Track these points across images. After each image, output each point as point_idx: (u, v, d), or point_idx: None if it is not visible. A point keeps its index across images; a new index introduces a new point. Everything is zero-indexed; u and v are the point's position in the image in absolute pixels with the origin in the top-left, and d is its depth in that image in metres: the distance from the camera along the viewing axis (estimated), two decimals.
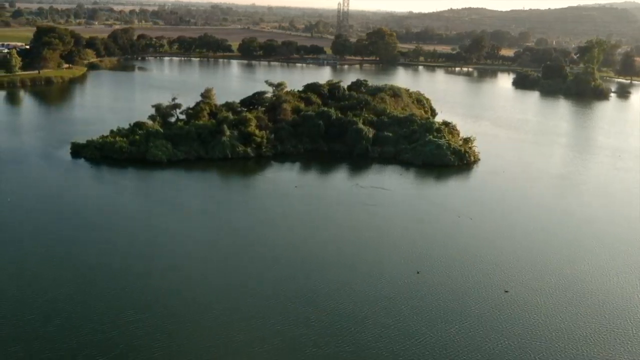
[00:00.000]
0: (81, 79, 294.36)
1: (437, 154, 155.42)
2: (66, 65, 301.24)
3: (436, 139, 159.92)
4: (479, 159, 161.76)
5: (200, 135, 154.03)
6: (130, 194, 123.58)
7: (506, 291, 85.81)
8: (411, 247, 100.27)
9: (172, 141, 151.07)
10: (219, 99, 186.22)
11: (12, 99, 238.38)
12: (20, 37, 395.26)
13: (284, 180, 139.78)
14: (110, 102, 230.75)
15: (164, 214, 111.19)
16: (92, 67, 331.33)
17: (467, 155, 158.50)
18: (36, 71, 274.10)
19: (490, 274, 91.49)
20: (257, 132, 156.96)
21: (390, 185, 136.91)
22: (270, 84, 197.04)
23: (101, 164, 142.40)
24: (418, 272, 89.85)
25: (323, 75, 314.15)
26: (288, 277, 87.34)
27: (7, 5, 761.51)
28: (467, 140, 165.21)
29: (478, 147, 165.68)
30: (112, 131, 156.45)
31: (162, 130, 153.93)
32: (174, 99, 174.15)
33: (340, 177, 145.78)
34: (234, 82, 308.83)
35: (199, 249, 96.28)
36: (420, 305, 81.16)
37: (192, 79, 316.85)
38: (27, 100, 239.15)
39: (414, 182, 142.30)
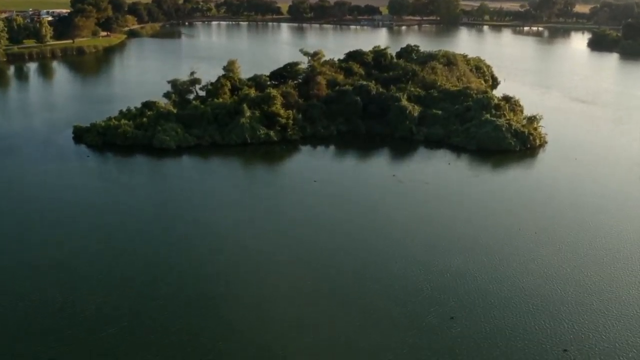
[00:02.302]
0: (118, 48, 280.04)
1: (495, 137, 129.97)
2: (103, 33, 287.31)
3: (494, 119, 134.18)
4: (546, 142, 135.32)
5: (217, 117, 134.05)
6: (125, 192, 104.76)
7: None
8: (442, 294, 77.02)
9: (185, 124, 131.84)
10: (261, 69, 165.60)
11: (38, 72, 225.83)
12: (63, 2, 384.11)
13: (305, 171, 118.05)
14: (141, 75, 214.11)
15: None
16: (132, 34, 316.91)
17: (531, 138, 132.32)
18: (70, 40, 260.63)
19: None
20: (282, 111, 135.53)
21: (435, 177, 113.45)
22: (305, 53, 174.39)
23: (103, 151, 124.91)
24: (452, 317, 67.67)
25: (377, 39, 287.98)
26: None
27: None
28: (531, 119, 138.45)
29: (545, 126, 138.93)
30: (120, 112, 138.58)
31: (174, 111, 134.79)
32: (192, 73, 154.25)
33: (374, 167, 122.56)
34: (281, 49, 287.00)
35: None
36: None
37: (239, 46, 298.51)
38: (52, 74, 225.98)
39: (464, 173, 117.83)
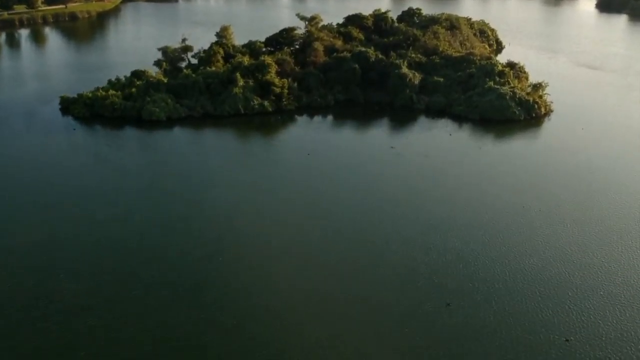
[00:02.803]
0: (112, 13, 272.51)
1: (498, 105, 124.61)
2: None
3: (498, 87, 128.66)
4: (552, 111, 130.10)
5: (210, 86, 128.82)
6: (112, 168, 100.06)
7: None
8: (441, 275, 73.42)
9: (176, 94, 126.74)
10: (258, 35, 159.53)
11: (29, 39, 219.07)
12: None
13: (300, 143, 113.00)
14: (135, 42, 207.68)
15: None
16: None
17: (536, 106, 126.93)
18: (62, 5, 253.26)
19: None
20: (276, 80, 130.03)
21: (435, 149, 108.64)
22: (302, 17, 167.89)
23: (91, 123, 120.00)
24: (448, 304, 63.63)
25: (379, 1, 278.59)
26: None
27: None
28: (536, 87, 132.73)
29: (551, 94, 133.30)
30: (109, 81, 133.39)
31: (165, 81, 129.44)
32: (183, 40, 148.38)
33: (373, 138, 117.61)
34: (281, 13, 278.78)
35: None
36: None
37: (237, 10, 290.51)
38: (43, 40, 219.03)
39: (465, 145, 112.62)
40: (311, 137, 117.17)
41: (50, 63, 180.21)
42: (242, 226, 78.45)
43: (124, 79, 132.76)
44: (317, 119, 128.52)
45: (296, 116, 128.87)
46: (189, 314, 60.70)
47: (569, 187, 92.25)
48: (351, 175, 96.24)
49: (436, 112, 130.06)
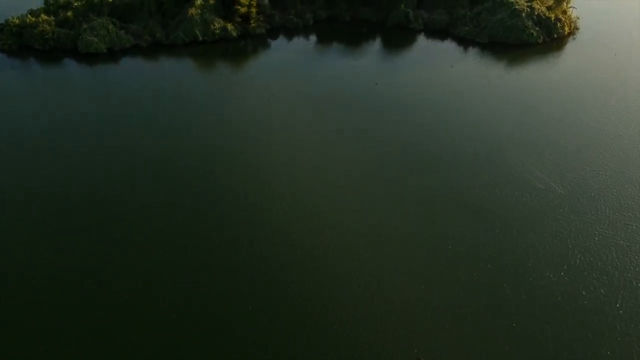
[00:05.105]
0: None
1: (512, 26, 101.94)
2: None
3: (512, 1, 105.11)
4: (577, 29, 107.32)
5: (162, 6, 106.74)
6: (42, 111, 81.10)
7: None
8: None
9: (121, 17, 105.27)
10: None
11: None
12: None
13: (266, 77, 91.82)
14: None
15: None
16: None
17: (558, 25, 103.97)
18: None
19: None
20: None
21: (430, 88, 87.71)
22: None
23: (21, 58, 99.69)
24: None
25: None
26: None
27: None
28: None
29: (577, 7, 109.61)
30: (45, 1, 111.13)
31: (109, 0, 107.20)
32: None
33: (357, 70, 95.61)
34: None
35: None
36: None
37: None
38: None
39: (468, 81, 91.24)
40: (281, 71, 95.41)
41: None
42: None
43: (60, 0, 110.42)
44: (291, 45, 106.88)
45: (269, 40, 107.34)
46: None
47: (600, 146, 72.11)
48: (326, 127, 76.19)
49: (436, 33, 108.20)
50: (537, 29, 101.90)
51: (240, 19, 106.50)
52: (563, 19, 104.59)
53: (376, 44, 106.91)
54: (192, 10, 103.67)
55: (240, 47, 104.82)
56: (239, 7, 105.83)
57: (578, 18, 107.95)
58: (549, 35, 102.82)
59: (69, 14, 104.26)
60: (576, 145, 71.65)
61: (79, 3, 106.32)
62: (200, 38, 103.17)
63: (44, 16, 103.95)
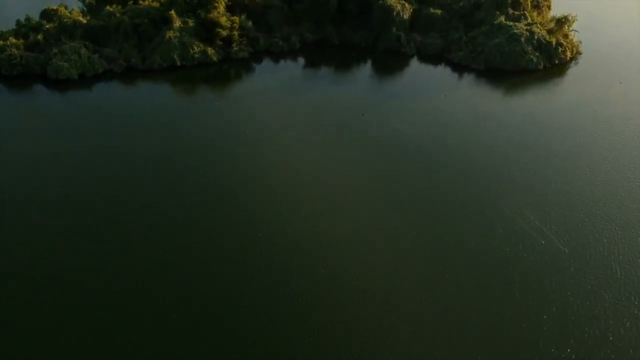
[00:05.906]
0: None
1: (510, 51, 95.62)
2: None
3: (510, 24, 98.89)
4: (580, 54, 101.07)
5: (138, 28, 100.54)
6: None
7: None
8: None
9: (95, 40, 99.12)
10: None
11: None
12: None
13: (248, 104, 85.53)
14: None
15: None
16: None
17: (559, 49, 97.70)
18: None
19: None
20: (223, 20, 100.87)
21: (421, 120, 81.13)
22: None
23: None
24: None
25: None
26: None
27: None
28: (561, 22, 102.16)
29: (580, 31, 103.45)
30: (17, 22, 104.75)
31: (83, 22, 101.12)
32: None
33: (344, 97, 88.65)
34: None
35: None
36: None
37: None
38: None
39: (464, 112, 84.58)
40: (261, 100, 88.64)
41: None
42: None
43: (34, 21, 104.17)
44: (277, 68, 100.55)
45: (254, 64, 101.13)
46: None
47: (605, 185, 65.55)
48: (309, 157, 69.72)
49: (430, 58, 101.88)
50: (537, 54, 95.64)
51: (221, 42, 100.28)
52: (565, 43, 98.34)
53: (366, 69, 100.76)
54: (170, 33, 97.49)
55: (223, 70, 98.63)
56: (220, 29, 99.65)
57: (580, 42, 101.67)
58: (550, 61, 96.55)
59: (39, 37, 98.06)
60: (580, 190, 64.97)
61: (51, 25, 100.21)
62: (179, 63, 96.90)
63: (12, 39, 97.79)
